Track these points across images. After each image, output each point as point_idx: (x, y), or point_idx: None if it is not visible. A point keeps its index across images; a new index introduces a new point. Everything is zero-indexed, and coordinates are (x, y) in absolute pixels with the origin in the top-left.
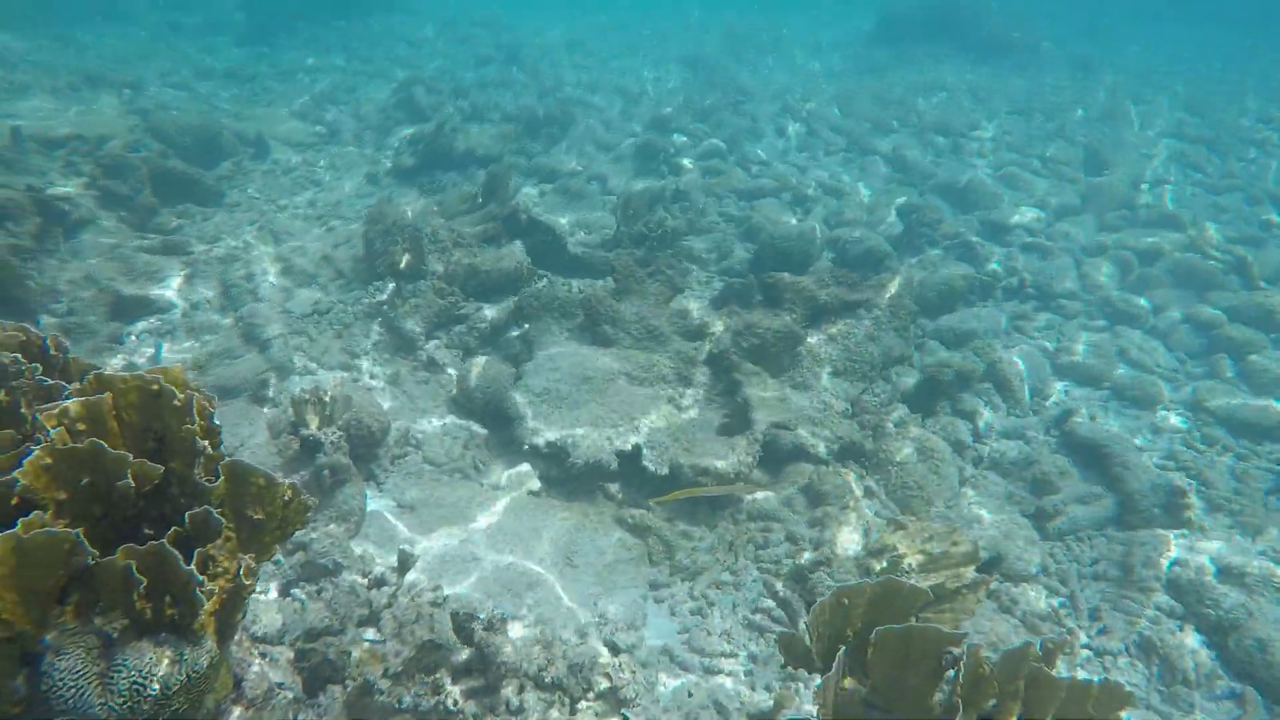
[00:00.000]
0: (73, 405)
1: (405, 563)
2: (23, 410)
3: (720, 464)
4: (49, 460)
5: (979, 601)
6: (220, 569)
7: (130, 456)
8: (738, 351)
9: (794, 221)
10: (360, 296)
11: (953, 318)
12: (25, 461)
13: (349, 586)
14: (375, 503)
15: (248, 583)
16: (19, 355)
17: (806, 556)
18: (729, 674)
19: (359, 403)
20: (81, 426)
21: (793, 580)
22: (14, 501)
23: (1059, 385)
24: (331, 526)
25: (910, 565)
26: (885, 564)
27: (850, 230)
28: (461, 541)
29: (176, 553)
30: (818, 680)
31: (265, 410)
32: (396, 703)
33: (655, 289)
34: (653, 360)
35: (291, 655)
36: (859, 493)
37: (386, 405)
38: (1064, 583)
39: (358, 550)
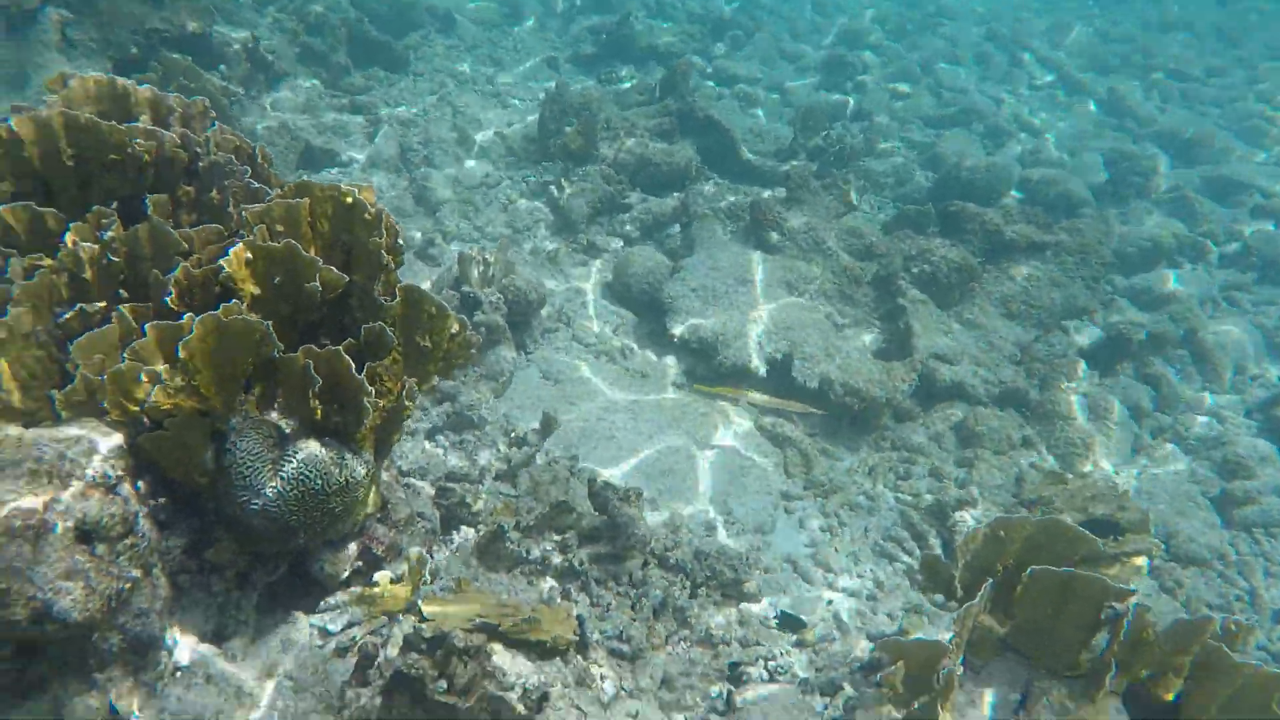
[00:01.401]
0: (275, 206)
1: (548, 426)
2: (230, 209)
3: (872, 387)
4: (249, 255)
5: (1140, 574)
6: (384, 387)
7: (320, 261)
8: (907, 277)
9: (983, 155)
10: (529, 175)
11: (1152, 277)
12: (230, 251)
13: (490, 441)
14: (522, 370)
15: (408, 404)
16: (233, 157)
17: (952, 494)
18: (851, 594)
19: (520, 271)
20: (280, 228)
21: (931, 515)
22: (217, 290)
23: (1275, 371)
24: (481, 383)
25: None
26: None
27: (1046, 170)
28: (600, 420)
29: (350, 360)
30: (948, 616)
31: (429, 268)
32: (525, 553)
33: (828, 203)
34: (815, 273)
35: (432, 492)
36: (1016, 440)
37: (544, 281)
38: (1245, 576)
39: (501, 410)
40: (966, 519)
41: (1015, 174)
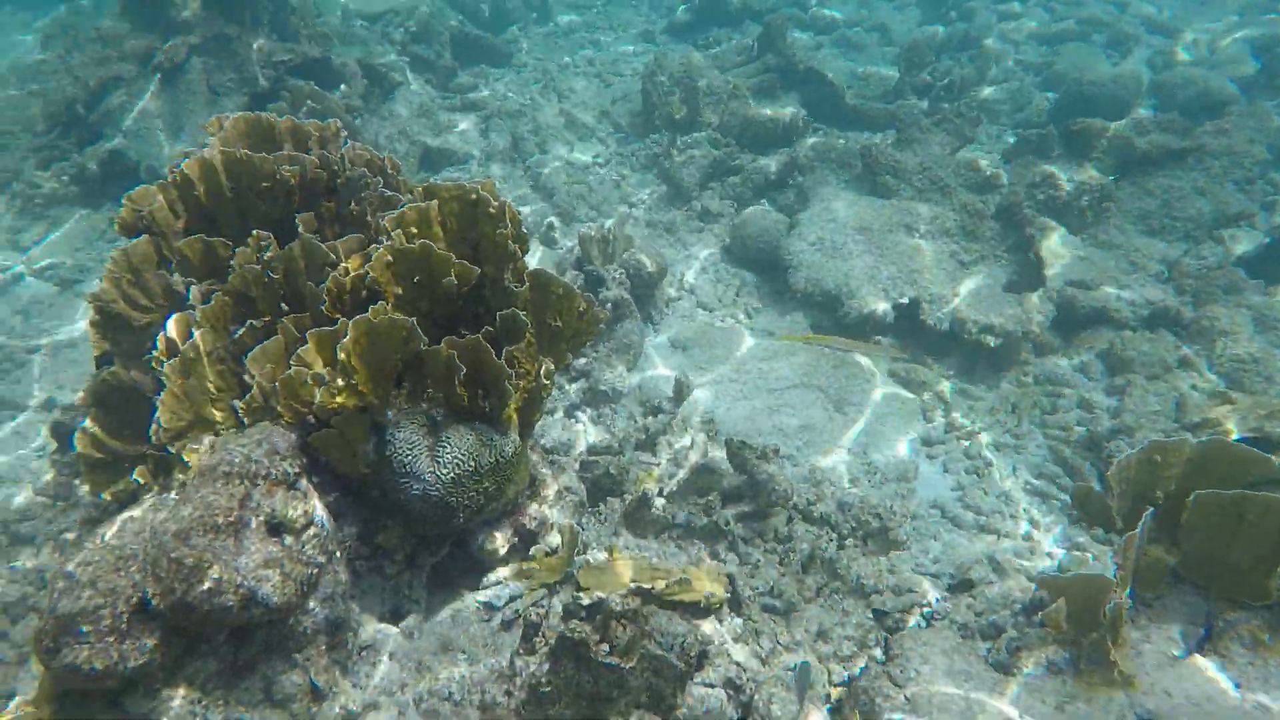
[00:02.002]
0: (407, 211)
1: (681, 391)
2: (369, 219)
3: (1004, 322)
4: (390, 258)
5: None
6: (523, 369)
7: (453, 256)
8: (1032, 204)
9: (1108, 66)
10: (638, 149)
11: None
12: (373, 257)
13: (628, 413)
14: (650, 341)
15: (546, 383)
16: (366, 170)
17: (1105, 424)
18: (1006, 535)
19: (639, 244)
20: (414, 230)
21: (1084, 448)
22: (364, 294)
23: None
24: (612, 358)
25: None
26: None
27: (1181, 71)
28: (732, 381)
29: (489, 347)
30: (1109, 550)
31: (551, 251)
32: (670, 518)
33: (941, 139)
34: (935, 212)
35: (577, 466)
36: (1172, 361)
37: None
38: None
39: (635, 381)
40: (1123, 449)
41: (1144, 81)
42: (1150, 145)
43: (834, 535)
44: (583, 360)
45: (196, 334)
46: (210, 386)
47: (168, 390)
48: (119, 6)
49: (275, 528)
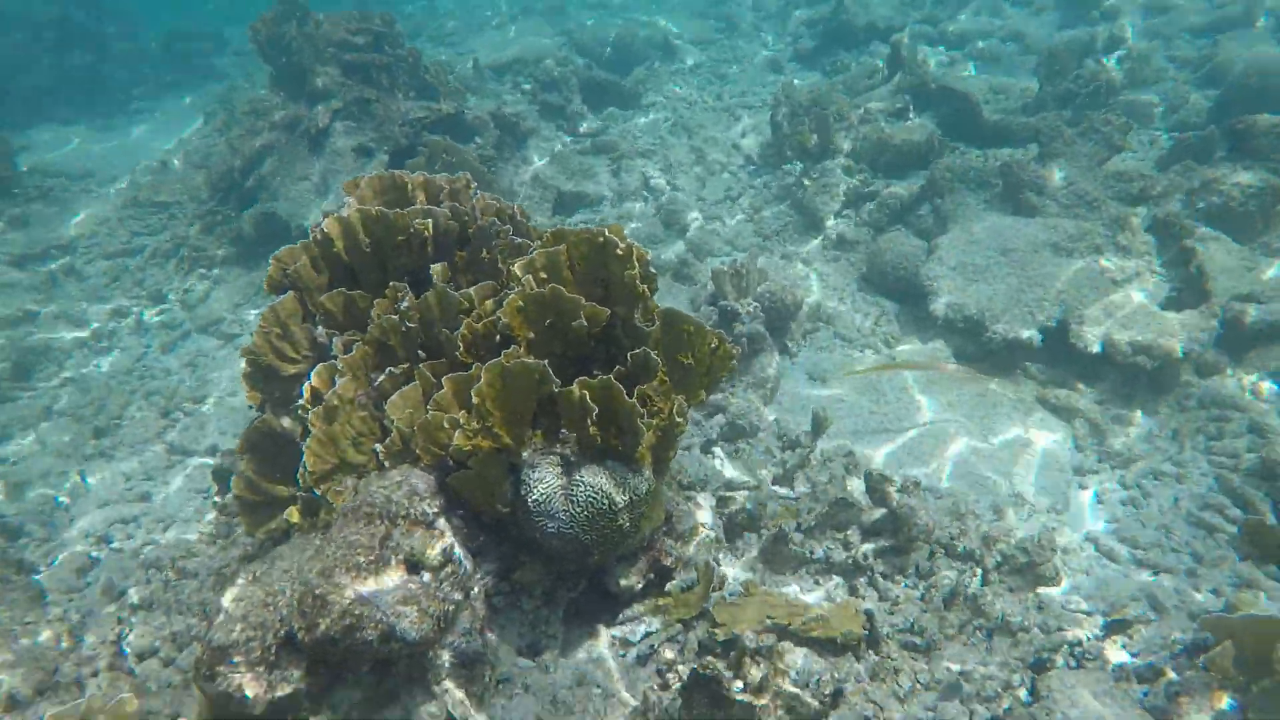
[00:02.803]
0: (537, 257)
1: (819, 425)
2: (500, 265)
3: (1162, 340)
4: (521, 303)
5: None
6: (655, 407)
7: (582, 299)
8: (1190, 214)
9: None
10: (770, 180)
11: None
12: (505, 303)
13: (764, 447)
14: (788, 374)
15: (680, 420)
16: (495, 219)
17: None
18: (1166, 570)
19: (773, 277)
20: (543, 275)
21: (1258, 477)
22: (497, 339)
23: None
24: (749, 392)
25: None
26: None
27: None
28: (871, 413)
29: (621, 387)
30: None
31: (685, 287)
32: (809, 553)
33: (1088, 150)
34: (1084, 229)
35: (713, 502)
36: None
37: (798, 282)
38: None
39: (771, 416)
40: None
41: None
42: None
43: (979, 570)
44: (719, 395)
45: (339, 382)
46: (352, 432)
47: (313, 436)
48: (269, 80)
49: (414, 565)
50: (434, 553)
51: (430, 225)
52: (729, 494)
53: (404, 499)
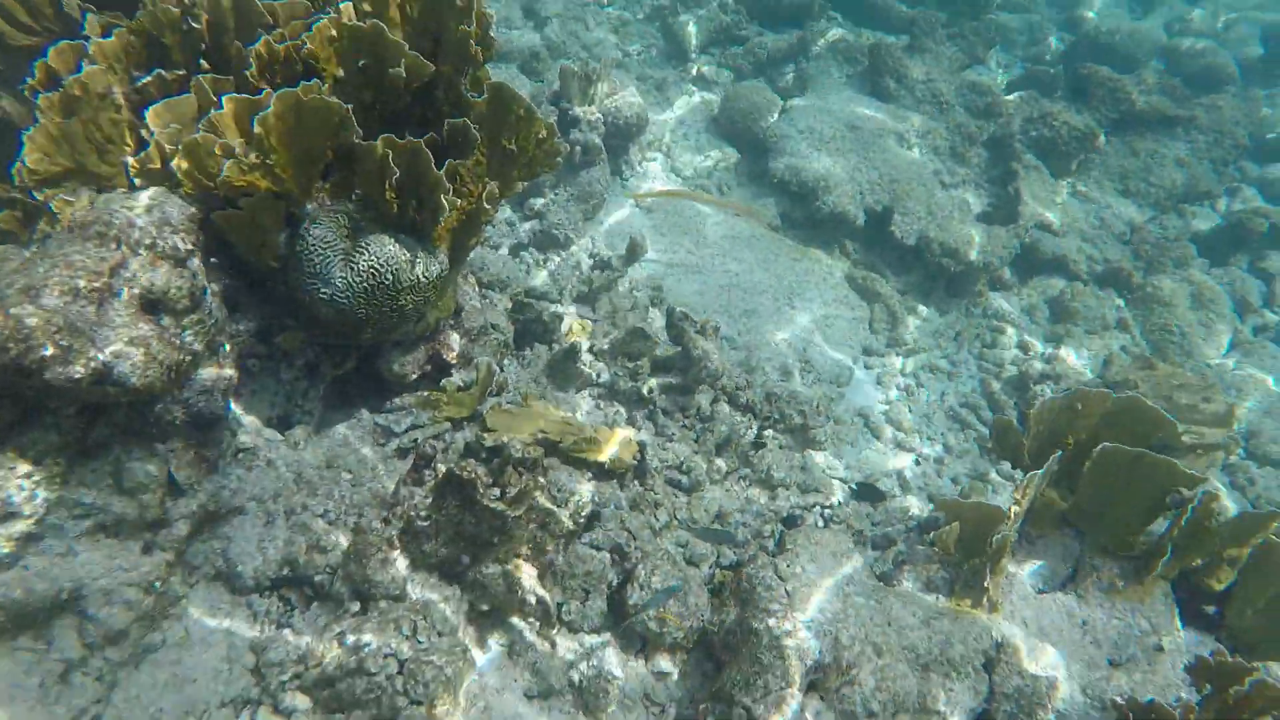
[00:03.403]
0: None
1: (634, 251)
2: None
3: (969, 250)
4: (334, 32)
5: (1214, 466)
6: (465, 188)
7: (406, 46)
8: (1024, 140)
9: (1128, 18)
10: None
11: None
12: (315, 28)
13: (574, 261)
14: (615, 195)
15: (488, 207)
16: None
17: (1036, 367)
18: (920, 455)
19: (622, 92)
20: (367, 7)
21: (1012, 387)
22: (299, 69)
23: None
24: (570, 203)
25: None
26: None
27: (1194, 41)
28: (689, 253)
29: (430, 155)
30: (1009, 485)
31: (529, 82)
32: (595, 375)
33: (951, 54)
34: (929, 127)
35: (509, 304)
36: (1111, 320)
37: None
38: None
39: (589, 233)
40: (1046, 392)
41: (1159, 41)
42: (1148, 105)
43: (755, 423)
44: (540, 201)
45: (87, 69)
46: (99, 134)
47: (39, 127)
48: None
49: (152, 304)
50: (179, 294)
51: None
52: (527, 300)
53: (152, 226)
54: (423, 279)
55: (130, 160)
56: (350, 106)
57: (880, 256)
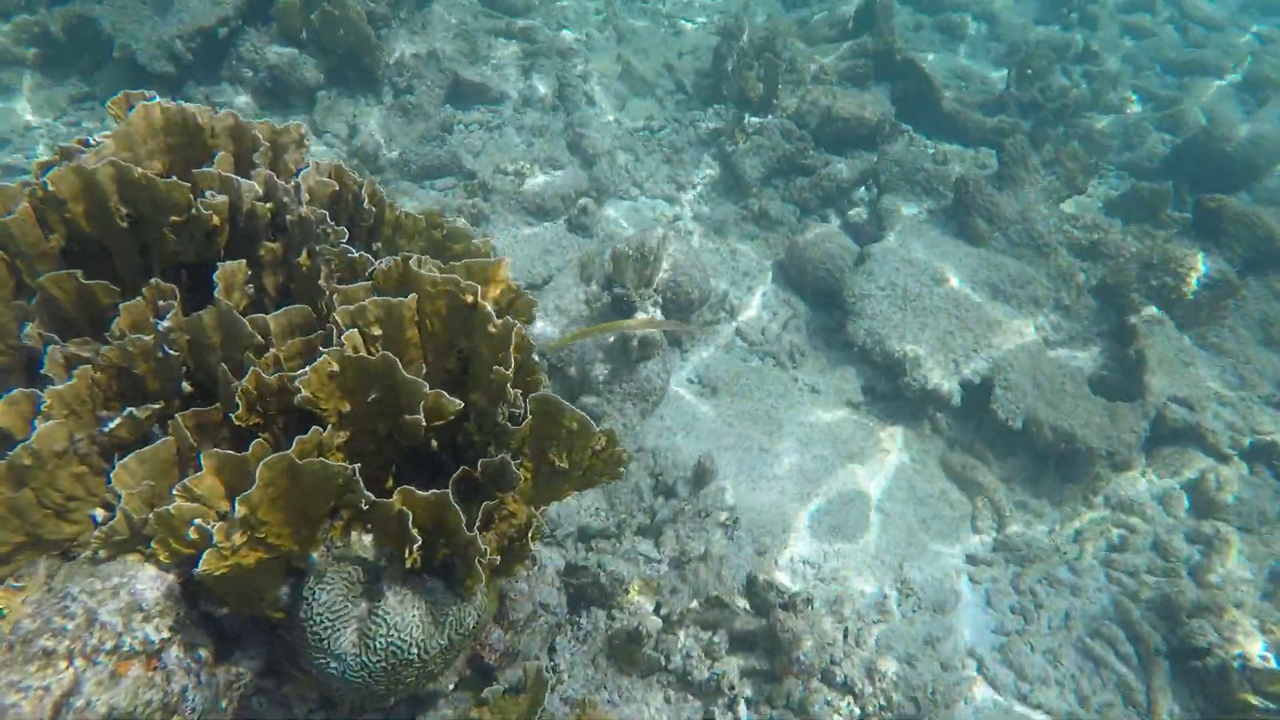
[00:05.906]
0: (370, 306)
1: (702, 476)
2: (321, 282)
3: (1090, 434)
4: (336, 368)
5: None
6: (505, 515)
7: (426, 386)
8: (1141, 289)
9: (1240, 114)
10: (698, 118)
11: None
12: (310, 368)
13: (634, 485)
14: (677, 374)
15: (532, 541)
16: (327, 215)
17: (1189, 596)
18: (1047, 712)
19: (682, 264)
20: (377, 331)
21: (1156, 612)
22: (297, 399)
23: None
24: (627, 406)
25: None
26: None
27: None
28: (762, 450)
29: (460, 511)
30: None
31: (578, 239)
32: (664, 659)
33: (1048, 184)
34: (1028, 275)
35: (561, 566)
36: (1273, 515)
37: (705, 257)
38: None
39: (650, 438)
40: (1209, 632)
41: None
42: None
43: (858, 709)
44: (591, 401)
45: (42, 428)
46: (58, 497)
47: None
48: None
49: None
50: (149, 710)
51: (224, 208)
52: (582, 564)
53: (119, 617)
54: (456, 636)
55: (96, 534)
56: (356, 466)
57: (977, 435)
